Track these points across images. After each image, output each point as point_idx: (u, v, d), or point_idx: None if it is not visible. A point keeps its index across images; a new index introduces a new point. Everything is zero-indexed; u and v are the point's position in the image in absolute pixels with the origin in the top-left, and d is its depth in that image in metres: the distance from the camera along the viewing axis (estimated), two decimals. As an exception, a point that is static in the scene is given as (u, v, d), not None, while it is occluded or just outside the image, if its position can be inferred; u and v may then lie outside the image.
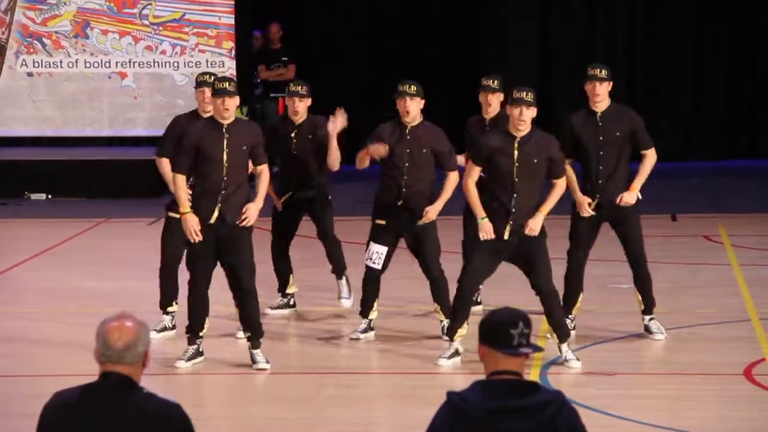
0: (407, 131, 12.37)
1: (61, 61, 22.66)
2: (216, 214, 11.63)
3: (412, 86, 12.39)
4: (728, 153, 23.50)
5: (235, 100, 11.81)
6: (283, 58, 22.50)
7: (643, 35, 24.02)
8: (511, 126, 11.55)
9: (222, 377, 11.87)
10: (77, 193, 20.07)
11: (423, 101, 12.44)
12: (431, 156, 12.34)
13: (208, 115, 12.20)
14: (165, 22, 22.69)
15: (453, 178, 12.28)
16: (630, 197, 12.04)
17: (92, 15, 22.68)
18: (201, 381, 11.61)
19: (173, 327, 12.80)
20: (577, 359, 11.58)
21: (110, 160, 21.79)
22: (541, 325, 12.41)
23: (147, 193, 20.37)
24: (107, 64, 22.74)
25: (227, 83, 11.95)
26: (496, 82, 13.03)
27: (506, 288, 13.18)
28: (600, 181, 12.20)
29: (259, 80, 22.71)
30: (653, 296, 12.30)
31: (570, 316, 12.35)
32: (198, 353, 11.89)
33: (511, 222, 11.56)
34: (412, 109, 12.33)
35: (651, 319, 12.40)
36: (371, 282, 12.46)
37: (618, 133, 12.18)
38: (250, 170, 11.92)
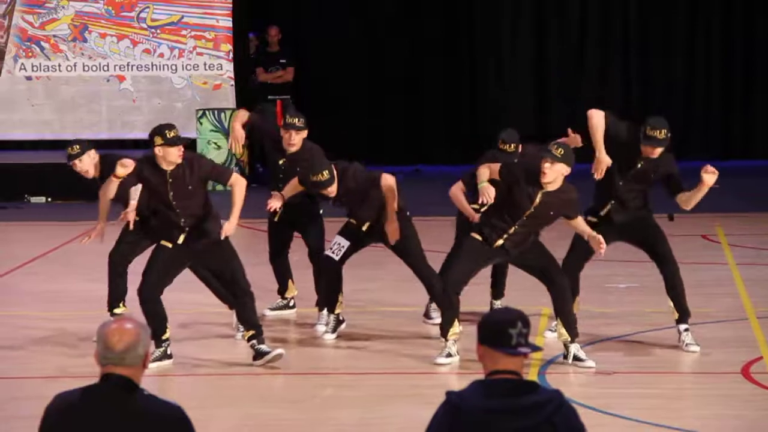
0: None
1: (59, 65, 22.70)
2: (182, 240, 11.88)
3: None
4: (723, 153, 23.48)
5: (179, 149, 11.81)
6: (281, 61, 22.51)
7: (638, 33, 23.99)
8: (541, 175, 11.49)
9: (221, 378, 11.88)
10: (76, 196, 20.06)
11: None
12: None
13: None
14: (163, 25, 22.70)
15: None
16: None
17: (90, 18, 22.69)
18: (199, 382, 11.62)
19: None
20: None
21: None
22: (539, 324, 12.44)
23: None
24: (105, 68, 22.76)
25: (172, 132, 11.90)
26: (512, 145, 12.89)
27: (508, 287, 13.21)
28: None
29: (257, 82, 22.69)
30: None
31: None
32: (166, 356, 11.88)
33: (505, 239, 11.65)
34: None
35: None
36: (330, 273, 12.44)
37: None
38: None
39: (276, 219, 13.39)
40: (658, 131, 12.10)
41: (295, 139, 13.07)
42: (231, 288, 11.86)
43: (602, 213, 12.28)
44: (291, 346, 12.61)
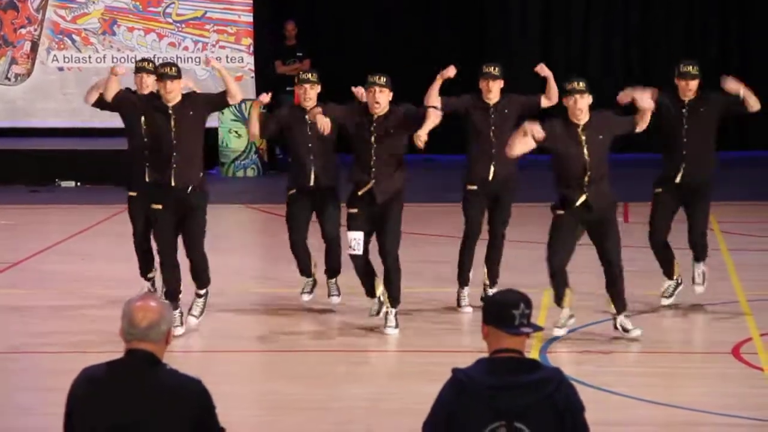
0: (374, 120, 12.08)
1: (89, 57, 22.71)
2: (172, 182, 11.88)
3: (382, 77, 12.21)
4: (719, 144, 23.43)
5: (178, 83, 12.06)
6: (298, 54, 22.52)
7: (638, 23, 23.96)
8: (571, 115, 11.53)
9: (239, 355, 11.89)
10: (104, 180, 20.09)
11: (392, 93, 12.22)
12: (400, 138, 12.07)
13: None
14: (187, 20, 22.72)
15: (434, 113, 12.16)
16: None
17: (119, 13, 22.70)
18: (217, 358, 11.63)
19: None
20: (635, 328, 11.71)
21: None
22: (541, 303, 12.43)
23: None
24: (133, 60, 22.71)
25: (169, 68, 12.19)
26: (497, 69, 12.97)
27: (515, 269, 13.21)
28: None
29: (276, 74, 22.70)
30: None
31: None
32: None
33: (586, 192, 11.55)
34: (382, 100, 12.06)
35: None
36: (361, 268, 12.08)
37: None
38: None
39: (297, 200, 12.88)
40: (690, 66, 12.58)
41: (310, 93, 12.71)
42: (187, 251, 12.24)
43: (678, 180, 12.59)
44: (305, 326, 12.62)
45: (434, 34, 23.44)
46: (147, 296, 6.21)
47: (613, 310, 11.74)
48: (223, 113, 22.01)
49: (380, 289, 12.24)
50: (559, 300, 11.77)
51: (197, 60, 22.73)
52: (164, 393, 6.06)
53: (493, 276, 13.00)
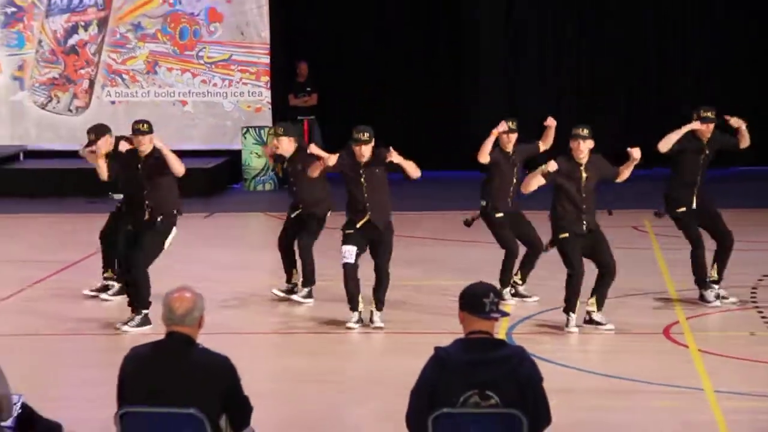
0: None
1: (136, 92, 22.68)
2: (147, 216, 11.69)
3: (365, 133, 11.71)
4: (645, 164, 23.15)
5: (149, 137, 11.82)
6: (307, 89, 22.55)
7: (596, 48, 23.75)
8: (574, 155, 11.50)
9: (260, 336, 11.88)
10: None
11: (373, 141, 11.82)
12: (384, 175, 11.83)
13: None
14: (216, 61, 22.69)
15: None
16: None
17: (160, 56, 22.68)
18: (241, 339, 11.61)
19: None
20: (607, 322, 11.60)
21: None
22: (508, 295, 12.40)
23: (201, 194, 20.41)
24: (172, 94, 22.74)
25: (141, 125, 11.95)
26: (514, 123, 12.68)
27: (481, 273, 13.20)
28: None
29: (289, 106, 22.70)
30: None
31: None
32: (146, 321, 11.66)
33: (584, 220, 11.54)
34: (366, 152, 11.68)
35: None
36: (350, 277, 11.71)
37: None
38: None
39: (294, 216, 12.95)
40: (710, 111, 12.42)
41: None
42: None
43: (694, 206, 12.45)
44: (313, 312, 12.59)
45: (425, 71, 23.32)
46: (183, 288, 6.22)
47: (595, 308, 11.59)
48: (245, 138, 21.99)
49: (361, 305, 11.81)
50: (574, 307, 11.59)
51: (225, 94, 22.72)
52: (198, 368, 6.06)
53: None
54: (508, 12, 23.40)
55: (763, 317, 11.96)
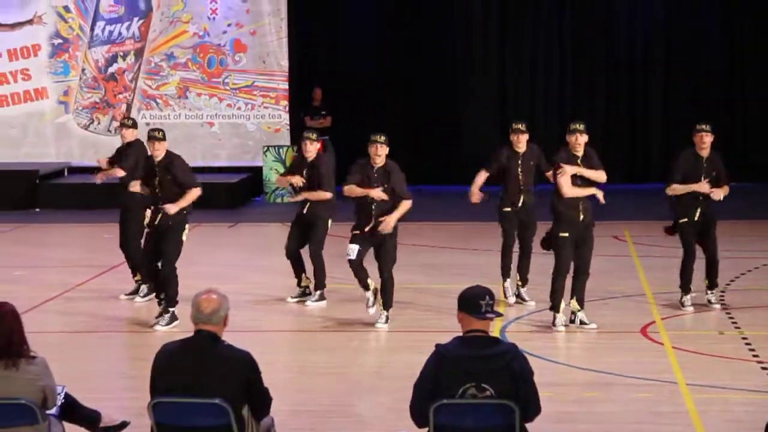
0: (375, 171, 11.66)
1: (168, 115, 22.68)
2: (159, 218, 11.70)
3: (382, 136, 11.74)
4: (627, 178, 23.12)
5: (163, 144, 11.85)
6: (322, 112, 22.54)
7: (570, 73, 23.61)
8: (572, 148, 11.22)
9: (278, 334, 11.85)
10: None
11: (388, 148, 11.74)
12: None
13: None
14: (240, 87, 22.71)
15: (407, 203, 11.65)
16: None
17: (190, 83, 22.70)
18: (262, 336, 11.59)
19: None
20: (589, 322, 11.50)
21: (201, 182, 21.72)
22: (499, 297, 12.37)
23: (226, 206, 20.42)
24: (200, 117, 22.75)
25: (157, 132, 11.98)
26: (524, 125, 12.54)
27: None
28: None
29: (305, 127, 22.69)
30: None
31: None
32: (174, 318, 11.60)
33: (582, 210, 11.23)
34: (382, 153, 11.65)
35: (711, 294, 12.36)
36: (355, 269, 11.62)
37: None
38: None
39: (297, 218, 12.83)
40: (705, 125, 12.06)
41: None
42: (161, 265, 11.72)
43: (696, 218, 12.05)
44: (326, 312, 12.56)
45: (423, 90, 23.33)
46: (210, 290, 6.20)
47: (578, 308, 11.47)
48: (266, 155, 21.99)
49: (372, 284, 11.74)
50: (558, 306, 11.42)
51: (248, 117, 22.72)
52: (223, 362, 6.04)
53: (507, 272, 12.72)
54: (501, 32, 23.38)
55: (731, 318, 11.92)
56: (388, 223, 11.44)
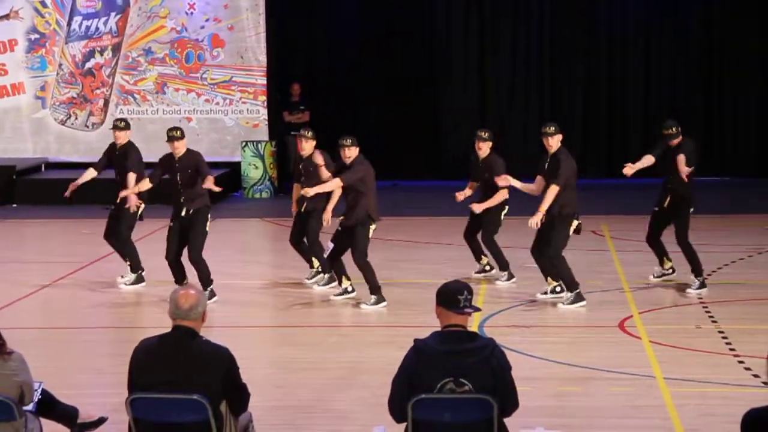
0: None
1: (146, 110, 22.61)
2: (183, 211, 12.47)
3: (348, 139, 12.19)
4: (608, 173, 23.15)
5: (183, 142, 12.59)
6: (301, 107, 22.52)
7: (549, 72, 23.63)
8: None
9: (256, 330, 11.83)
10: (157, 200, 19.96)
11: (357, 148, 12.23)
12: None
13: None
14: (218, 82, 22.65)
15: (334, 182, 12.20)
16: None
17: (168, 78, 22.63)
18: (240, 332, 11.57)
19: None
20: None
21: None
22: (480, 292, 12.38)
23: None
24: (178, 112, 22.68)
25: (176, 131, 12.71)
26: (486, 133, 13.22)
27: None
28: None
29: (284, 122, 22.70)
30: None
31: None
32: (213, 294, 12.39)
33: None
34: (351, 154, 12.14)
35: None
36: (330, 264, 12.56)
37: None
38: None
39: (302, 209, 13.15)
40: (667, 128, 12.70)
41: (305, 146, 13.05)
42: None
43: (666, 204, 12.76)
44: (305, 308, 12.56)
45: (399, 89, 23.30)
46: (188, 286, 6.20)
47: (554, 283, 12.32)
48: (244, 151, 21.96)
49: (346, 282, 12.55)
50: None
51: (226, 112, 22.68)
52: (201, 357, 6.02)
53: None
54: (481, 30, 23.38)
55: (707, 312, 11.96)
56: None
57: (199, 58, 22.57)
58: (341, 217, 12.34)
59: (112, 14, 22.60)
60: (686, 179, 12.55)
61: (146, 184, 13.01)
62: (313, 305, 12.58)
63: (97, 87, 22.70)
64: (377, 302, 12.15)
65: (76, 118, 22.78)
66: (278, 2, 22.85)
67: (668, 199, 12.74)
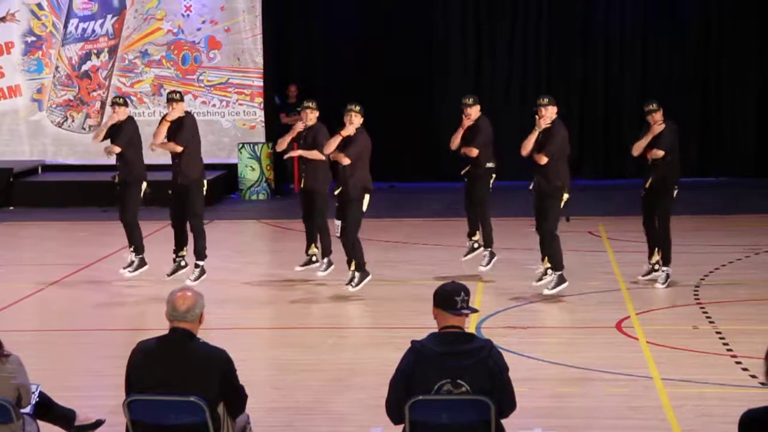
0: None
1: (143, 112, 22.59)
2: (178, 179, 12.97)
3: (357, 106, 12.86)
4: (605, 174, 23.19)
5: (181, 105, 13.08)
6: (297, 109, 22.48)
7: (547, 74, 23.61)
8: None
9: (254, 331, 11.83)
10: (155, 202, 19.97)
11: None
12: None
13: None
14: (215, 84, 22.65)
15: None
16: None
17: (165, 80, 22.62)
18: (238, 333, 11.57)
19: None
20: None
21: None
22: (476, 293, 12.40)
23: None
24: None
25: (175, 94, 13.17)
26: (471, 99, 13.74)
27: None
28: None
29: (281, 124, 22.71)
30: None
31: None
32: (203, 272, 12.94)
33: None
34: (355, 121, 12.69)
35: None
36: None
37: None
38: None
39: (303, 186, 13.43)
40: (647, 105, 12.98)
41: (311, 117, 13.46)
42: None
43: (648, 185, 12.88)
44: (304, 309, 12.56)
45: (397, 93, 23.31)
46: (185, 288, 6.20)
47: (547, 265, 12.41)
48: (241, 152, 21.96)
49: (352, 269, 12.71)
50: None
51: (222, 114, 22.68)
52: (198, 359, 6.02)
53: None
54: (478, 31, 23.39)
55: (704, 312, 11.97)
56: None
57: (195, 60, 22.57)
58: (337, 191, 12.52)
59: (109, 16, 22.61)
60: (658, 159, 12.74)
61: (176, 148, 13.06)
62: (311, 307, 12.58)
63: (93, 89, 22.70)
64: (361, 280, 12.46)
65: (73, 121, 22.77)
66: (275, 4, 22.85)
67: (649, 180, 12.87)
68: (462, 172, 13.56)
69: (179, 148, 12.73)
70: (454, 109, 23.32)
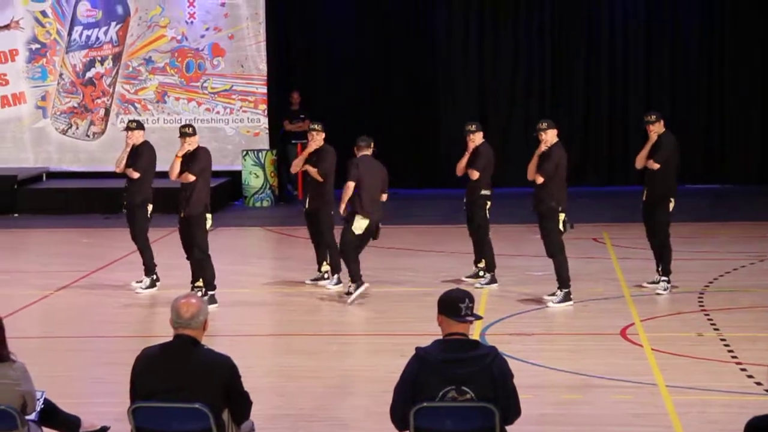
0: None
1: (147, 119, 22.59)
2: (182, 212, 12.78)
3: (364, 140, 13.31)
4: (608, 181, 23.20)
5: (194, 138, 12.94)
6: (301, 116, 22.53)
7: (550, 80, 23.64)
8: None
9: (258, 338, 11.83)
10: (158, 210, 20.00)
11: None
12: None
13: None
14: (219, 91, 22.67)
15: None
16: None
17: (169, 87, 22.65)
18: (242, 340, 11.58)
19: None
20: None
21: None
22: (481, 300, 12.39)
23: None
24: (179, 121, 22.65)
25: (188, 128, 13.00)
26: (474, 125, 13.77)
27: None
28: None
29: (282, 130, 22.71)
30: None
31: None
32: (213, 301, 12.60)
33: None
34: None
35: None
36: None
37: None
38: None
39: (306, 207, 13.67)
40: (647, 115, 13.16)
41: (317, 139, 13.75)
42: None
43: (644, 197, 12.98)
44: (307, 316, 12.56)
45: (394, 100, 23.33)
46: (189, 295, 6.20)
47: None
48: (245, 159, 21.97)
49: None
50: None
51: (226, 121, 22.70)
52: (203, 366, 6.02)
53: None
54: (481, 38, 23.39)
55: (709, 319, 11.96)
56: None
57: (199, 67, 22.59)
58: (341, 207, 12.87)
59: (113, 24, 22.64)
60: (654, 169, 12.75)
61: (189, 177, 12.90)
62: (315, 314, 12.58)
63: (97, 96, 22.72)
64: (357, 287, 12.67)
65: (77, 128, 22.79)
66: (278, 11, 22.88)
67: (645, 192, 12.92)
68: (464, 200, 13.60)
69: (192, 178, 12.65)
70: (455, 116, 23.55)
